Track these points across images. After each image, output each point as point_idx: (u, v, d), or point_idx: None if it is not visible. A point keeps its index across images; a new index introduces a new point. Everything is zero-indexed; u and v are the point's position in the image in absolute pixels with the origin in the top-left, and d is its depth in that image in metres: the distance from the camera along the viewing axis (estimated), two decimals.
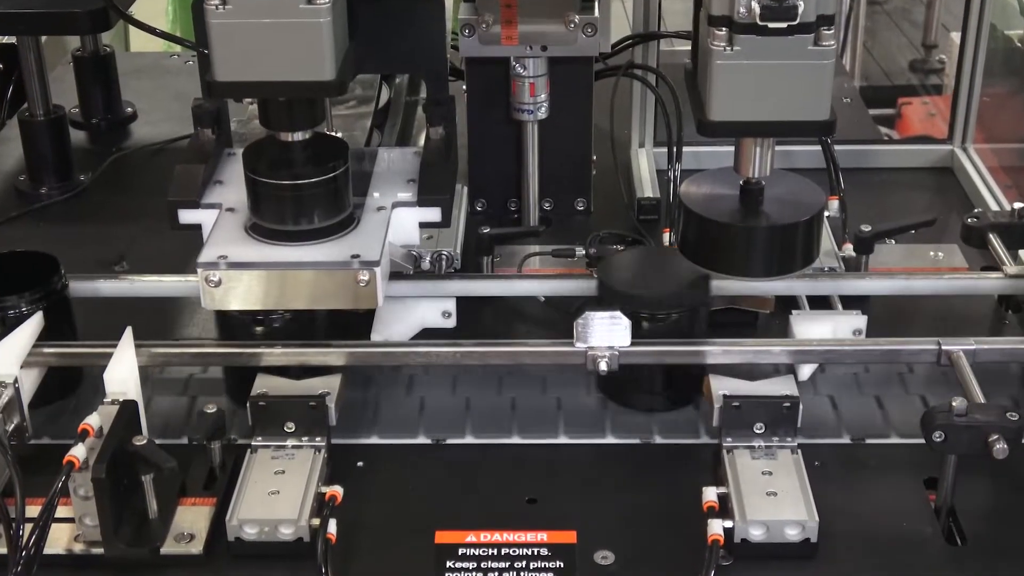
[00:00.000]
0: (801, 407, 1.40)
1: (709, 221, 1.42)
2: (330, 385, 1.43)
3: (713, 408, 1.41)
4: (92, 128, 2.27)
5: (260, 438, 1.41)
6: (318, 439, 1.41)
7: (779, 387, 1.42)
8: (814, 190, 1.47)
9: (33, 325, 1.46)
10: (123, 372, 1.36)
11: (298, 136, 1.41)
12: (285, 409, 1.41)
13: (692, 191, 1.47)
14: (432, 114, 1.53)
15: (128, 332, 1.41)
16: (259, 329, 1.49)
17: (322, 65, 1.32)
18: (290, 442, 1.41)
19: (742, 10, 1.28)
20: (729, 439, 1.40)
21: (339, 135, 1.81)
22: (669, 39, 2.03)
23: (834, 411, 1.53)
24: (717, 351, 1.46)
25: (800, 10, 1.26)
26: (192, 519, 1.34)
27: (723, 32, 1.30)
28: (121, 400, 1.33)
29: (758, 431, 1.40)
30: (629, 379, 1.50)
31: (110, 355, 1.38)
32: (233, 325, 1.50)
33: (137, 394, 1.36)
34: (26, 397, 1.41)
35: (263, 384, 1.44)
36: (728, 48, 1.30)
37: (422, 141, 1.58)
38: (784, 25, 1.28)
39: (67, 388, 1.55)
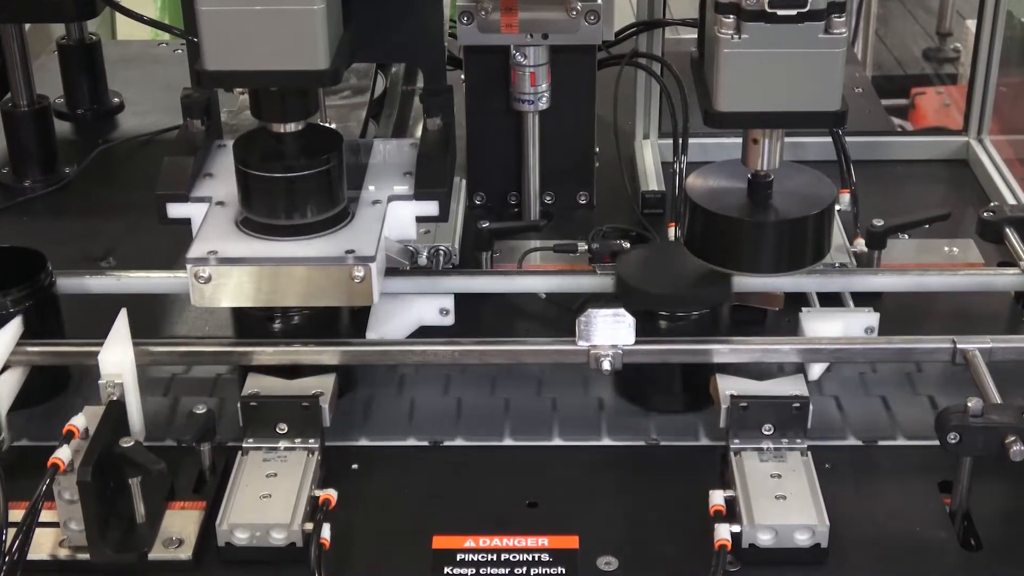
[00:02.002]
0: (811, 408, 1.40)
1: (716, 215, 1.42)
2: (324, 385, 1.43)
3: (720, 409, 1.40)
4: (77, 119, 2.27)
5: (251, 440, 1.41)
6: (311, 441, 1.41)
7: (788, 387, 1.42)
8: (825, 183, 1.47)
9: (11, 331, 1.46)
10: (118, 354, 1.36)
11: (290, 127, 1.41)
12: (277, 410, 1.41)
13: (698, 184, 1.46)
14: (429, 105, 1.53)
15: (123, 314, 1.42)
16: (276, 326, 1.49)
17: (315, 54, 1.31)
18: (282, 444, 1.41)
19: None
20: (737, 440, 1.40)
21: (333, 126, 1.81)
22: (675, 27, 2.03)
23: (845, 412, 1.53)
24: (724, 350, 1.46)
25: None
26: (181, 524, 1.34)
27: (731, 19, 1.29)
28: (116, 383, 1.34)
29: (766, 432, 1.40)
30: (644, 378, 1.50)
31: (97, 353, 1.38)
32: (250, 322, 1.50)
33: (132, 377, 1.37)
34: (4, 404, 1.41)
35: (254, 384, 1.43)
36: (736, 36, 1.30)
37: (419, 132, 1.58)
38: (794, 12, 1.28)
39: (53, 389, 1.55)
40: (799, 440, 1.40)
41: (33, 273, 1.52)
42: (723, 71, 1.31)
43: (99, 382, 1.37)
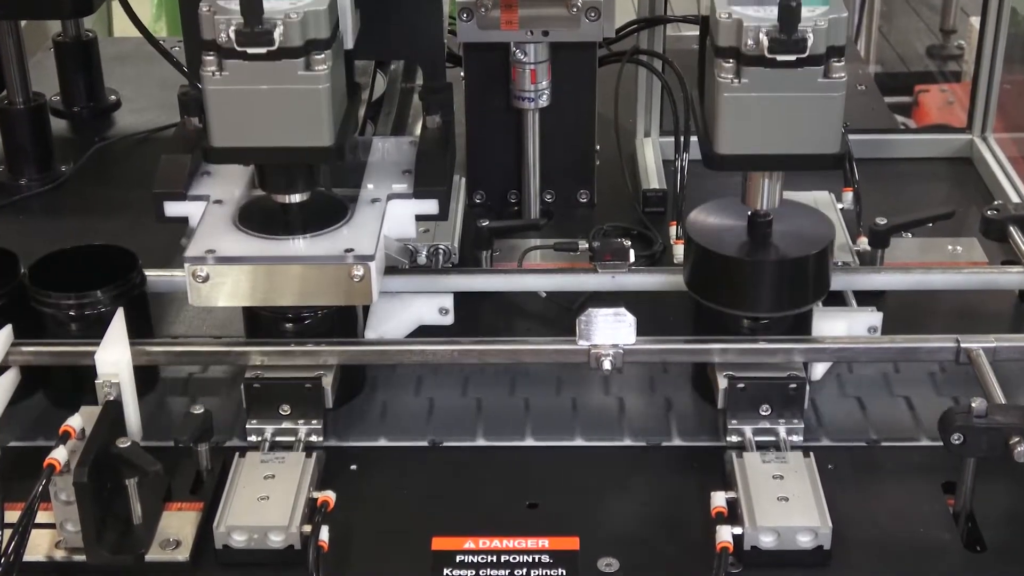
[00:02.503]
0: (808, 388, 1.41)
1: (716, 255, 1.43)
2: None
3: (717, 390, 1.41)
4: (74, 116, 2.27)
5: (254, 421, 1.42)
6: (314, 422, 1.42)
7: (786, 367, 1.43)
8: (823, 221, 1.48)
9: (3, 335, 1.46)
10: (115, 353, 1.36)
11: (296, 199, 1.42)
12: (280, 391, 1.42)
13: (699, 222, 1.48)
14: (429, 102, 1.53)
15: (119, 314, 1.42)
16: (289, 326, 1.49)
17: (320, 131, 1.33)
18: (285, 425, 1.42)
19: (750, 42, 1.29)
20: (734, 421, 1.41)
21: None
22: (676, 23, 2.03)
23: (847, 412, 1.53)
24: (726, 349, 1.46)
25: (809, 43, 1.28)
26: (178, 525, 1.34)
27: (731, 64, 1.31)
28: (113, 383, 1.34)
29: (764, 413, 1.42)
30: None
31: (92, 353, 1.38)
32: (262, 323, 1.50)
33: (129, 376, 1.37)
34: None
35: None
36: (736, 80, 1.31)
37: (418, 130, 1.58)
38: (793, 58, 1.28)
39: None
40: (796, 420, 1.42)
41: (124, 272, 1.52)
42: (723, 115, 1.33)
43: (96, 382, 1.36)
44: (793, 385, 1.42)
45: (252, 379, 1.43)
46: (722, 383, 1.42)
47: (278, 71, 1.30)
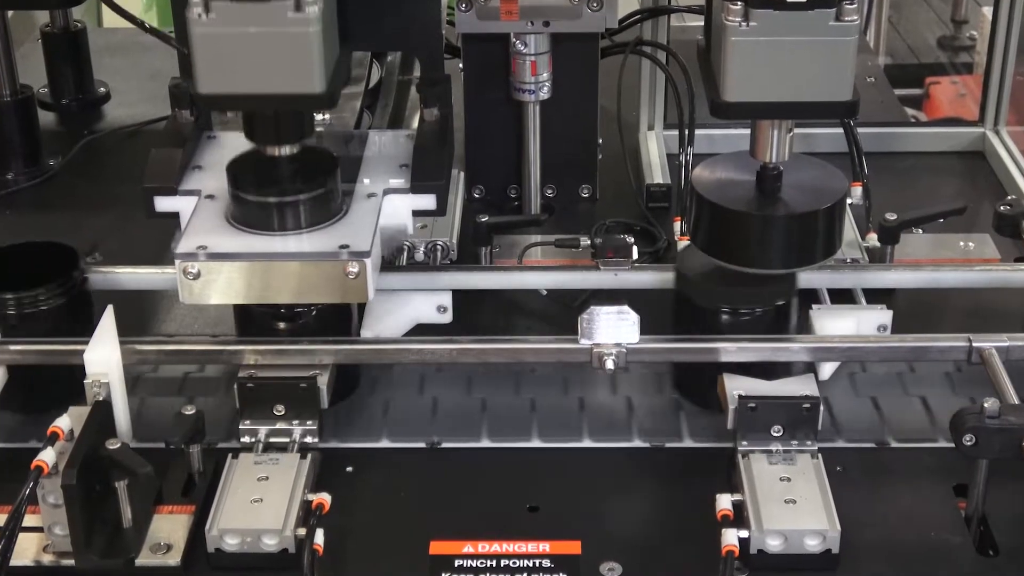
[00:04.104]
0: (822, 408, 1.40)
1: (723, 209, 1.42)
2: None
3: (727, 410, 1.40)
4: (62, 109, 2.26)
5: (248, 422, 1.42)
6: (309, 422, 1.42)
7: (798, 387, 1.42)
8: (836, 176, 1.46)
9: None
10: (104, 352, 1.36)
11: (286, 151, 1.41)
12: (274, 390, 1.42)
13: (705, 177, 1.46)
14: (426, 95, 1.53)
15: (109, 311, 1.42)
16: (282, 325, 1.49)
17: (311, 77, 1.32)
18: (279, 425, 1.42)
19: None
20: (745, 443, 1.40)
21: (327, 117, 1.81)
22: (680, 14, 2.03)
23: (857, 413, 1.53)
24: (732, 348, 1.46)
25: None
26: (169, 528, 1.34)
27: (738, 6, 1.29)
28: (102, 383, 1.34)
29: (776, 434, 1.40)
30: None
31: (81, 352, 1.38)
32: (254, 321, 1.50)
33: (119, 376, 1.37)
34: None
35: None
36: (744, 23, 1.30)
37: (415, 123, 1.58)
38: None
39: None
40: (809, 442, 1.40)
41: (65, 269, 1.52)
42: (730, 60, 1.31)
43: (85, 382, 1.36)
44: (807, 406, 1.40)
45: (245, 378, 1.43)
46: (732, 403, 1.40)
47: (267, 13, 1.28)
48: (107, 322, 1.42)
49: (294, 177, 1.41)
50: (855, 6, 1.29)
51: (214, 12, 1.28)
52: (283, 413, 1.43)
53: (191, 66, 1.32)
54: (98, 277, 1.60)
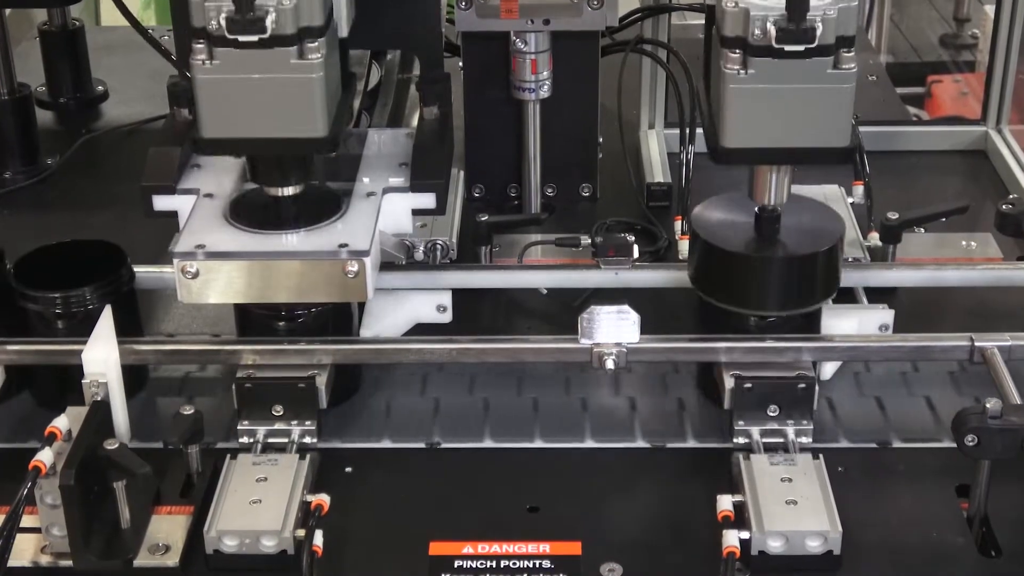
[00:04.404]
0: (817, 388, 1.41)
1: (722, 251, 1.43)
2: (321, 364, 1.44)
3: (724, 390, 1.41)
4: (60, 108, 2.26)
5: (246, 422, 1.42)
6: (308, 423, 1.42)
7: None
8: (833, 217, 1.48)
9: None
10: (103, 352, 1.36)
11: (289, 191, 1.42)
12: (272, 390, 1.42)
13: (704, 217, 1.48)
14: (426, 93, 1.53)
15: (107, 310, 1.42)
16: (282, 324, 1.49)
17: (314, 122, 1.33)
18: (278, 426, 1.42)
19: (757, 32, 1.29)
20: (741, 422, 1.41)
21: None
22: (681, 12, 2.02)
23: (858, 412, 1.53)
24: (733, 348, 1.46)
25: (819, 32, 1.27)
26: (168, 529, 1.34)
27: (737, 55, 1.31)
28: (100, 383, 1.34)
29: (772, 414, 1.41)
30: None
31: (78, 352, 1.38)
32: (254, 321, 1.50)
33: (117, 376, 1.37)
34: None
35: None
36: (742, 71, 1.31)
37: (415, 122, 1.58)
38: (802, 48, 1.28)
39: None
40: (805, 422, 1.41)
41: (112, 268, 1.52)
42: (729, 107, 1.33)
43: (83, 382, 1.36)
44: (802, 385, 1.42)
45: (244, 379, 1.43)
46: (728, 383, 1.42)
47: (270, 59, 1.30)
48: (105, 322, 1.42)
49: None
50: (852, 53, 1.31)
51: (218, 59, 1.30)
52: (281, 413, 1.43)
53: (195, 115, 1.34)
54: None
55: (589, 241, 1.68)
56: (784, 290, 1.45)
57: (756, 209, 1.46)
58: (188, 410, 1.39)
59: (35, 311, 1.49)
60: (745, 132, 1.34)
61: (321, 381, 1.43)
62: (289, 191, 1.42)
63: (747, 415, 1.43)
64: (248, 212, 1.43)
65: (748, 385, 1.42)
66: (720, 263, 1.46)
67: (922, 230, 1.79)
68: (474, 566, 1.31)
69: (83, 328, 1.43)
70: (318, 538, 1.28)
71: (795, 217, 1.47)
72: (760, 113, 1.33)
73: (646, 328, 1.44)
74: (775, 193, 1.43)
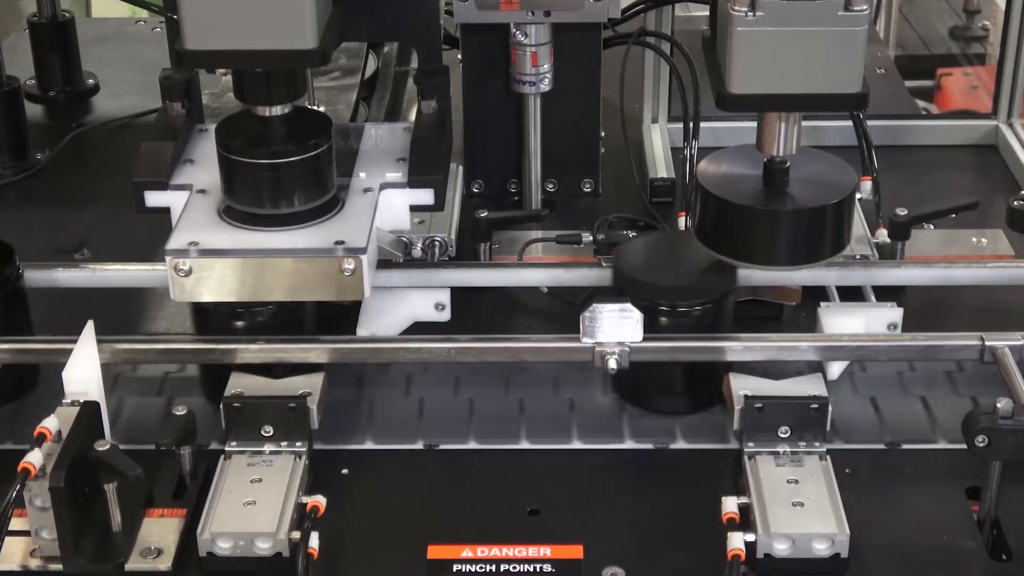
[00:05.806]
0: (831, 409, 1.40)
1: (729, 204, 1.42)
2: (312, 385, 1.43)
3: (733, 410, 1.40)
4: (49, 101, 2.27)
5: (235, 443, 1.41)
6: (298, 444, 1.41)
7: (806, 387, 1.42)
8: (845, 169, 1.46)
9: None
10: (84, 371, 1.36)
11: (276, 111, 1.40)
12: (262, 411, 1.41)
13: (710, 171, 1.46)
14: (424, 86, 1.53)
15: (89, 326, 1.41)
16: (239, 324, 1.49)
17: (303, 32, 1.31)
18: (267, 447, 1.41)
19: None
20: (751, 444, 1.40)
21: (322, 109, 1.81)
22: (685, 3, 2.03)
23: (866, 413, 1.53)
24: (738, 347, 1.46)
25: None
26: (160, 532, 1.34)
27: None
28: (81, 401, 1.33)
29: (783, 435, 1.40)
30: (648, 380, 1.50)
31: (69, 351, 1.38)
32: (210, 319, 1.50)
33: (100, 395, 1.36)
34: None
35: (238, 383, 1.43)
36: (750, 13, 1.30)
37: (413, 116, 1.58)
38: None
39: (22, 388, 1.55)
40: (818, 444, 1.40)
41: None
42: (737, 51, 1.31)
43: (63, 401, 1.35)
44: (815, 406, 1.40)
45: (232, 398, 1.42)
46: (738, 403, 1.40)
47: None
48: (87, 338, 1.39)
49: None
50: None
51: None
52: (271, 435, 1.42)
53: (179, 25, 1.30)
54: (85, 274, 1.61)
55: (591, 238, 1.69)
56: (792, 245, 1.43)
57: (764, 160, 1.44)
58: (180, 410, 1.39)
59: None
60: (753, 77, 1.32)
61: (313, 401, 1.41)
62: (277, 110, 1.40)
63: (757, 436, 1.40)
64: (237, 136, 1.40)
65: (759, 406, 1.40)
66: (726, 217, 1.44)
67: (931, 226, 1.79)
68: (473, 570, 1.31)
69: None
70: (314, 540, 1.28)
71: (804, 169, 1.44)
72: (768, 57, 1.31)
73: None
74: (784, 143, 1.40)
